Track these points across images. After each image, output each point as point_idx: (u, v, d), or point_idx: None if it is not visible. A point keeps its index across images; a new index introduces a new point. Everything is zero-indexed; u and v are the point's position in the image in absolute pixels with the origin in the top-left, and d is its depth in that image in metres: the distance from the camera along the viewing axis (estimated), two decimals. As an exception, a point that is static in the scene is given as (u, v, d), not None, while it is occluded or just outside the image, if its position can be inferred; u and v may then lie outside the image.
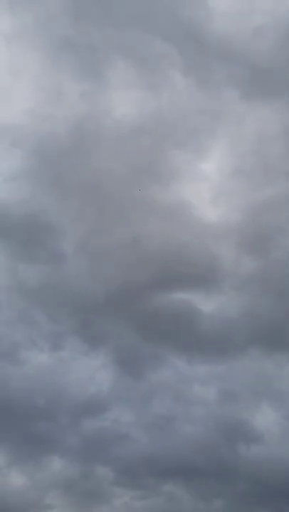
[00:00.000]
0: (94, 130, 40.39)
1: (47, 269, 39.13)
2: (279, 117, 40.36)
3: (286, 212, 39.80)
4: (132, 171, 40.00)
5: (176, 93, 40.83)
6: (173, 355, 38.12)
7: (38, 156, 39.99)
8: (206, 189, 40.61)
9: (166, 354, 38.21)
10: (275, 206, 39.71)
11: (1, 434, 35.95)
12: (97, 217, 40.00)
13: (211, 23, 39.86)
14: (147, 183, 39.97)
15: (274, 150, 40.61)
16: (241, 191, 40.52)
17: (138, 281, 38.89)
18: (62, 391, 37.21)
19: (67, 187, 40.05)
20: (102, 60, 40.81)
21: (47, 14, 40.50)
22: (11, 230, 39.51)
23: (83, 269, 39.11)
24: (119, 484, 35.32)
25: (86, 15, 40.53)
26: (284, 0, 39.82)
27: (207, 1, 39.96)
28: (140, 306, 38.88)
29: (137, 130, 40.35)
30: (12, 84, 40.92)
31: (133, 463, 35.58)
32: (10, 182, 39.76)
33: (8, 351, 37.57)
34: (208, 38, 39.80)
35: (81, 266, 39.14)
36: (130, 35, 40.46)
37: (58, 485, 35.12)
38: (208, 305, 38.84)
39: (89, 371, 38.00)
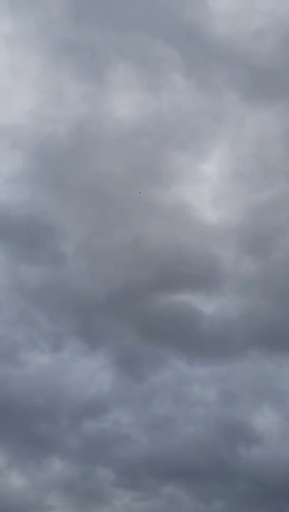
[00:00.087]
0: (94, 132, 40.65)
1: (47, 269, 39.29)
2: (279, 119, 40.63)
3: (286, 213, 39.95)
4: (132, 173, 40.18)
5: (176, 95, 41.08)
6: (173, 356, 38.26)
7: (39, 157, 40.25)
8: (207, 191, 40.83)
9: (167, 355, 38.36)
10: (275, 208, 39.87)
11: (1, 434, 35.98)
12: (98, 218, 40.18)
13: (211, 25, 40.13)
14: (148, 184, 40.18)
15: (274, 152, 40.82)
16: (241, 193, 40.71)
17: (138, 282, 39.01)
18: (62, 392, 37.33)
19: (68, 188, 40.25)
20: (102, 61, 41.10)
21: (48, 16, 40.82)
22: (11, 231, 39.66)
23: (84, 270, 39.25)
24: (120, 485, 35.38)
25: (87, 17, 40.80)
26: (284, 2, 40.07)
27: (208, 3, 40.31)
28: (140, 307, 39.02)
29: (138, 132, 40.57)
30: (13, 86, 41.25)
31: (133, 464, 35.68)
32: (11, 183, 40.00)
33: (9, 352, 37.72)
34: (209, 40, 40.08)
35: (81, 267, 39.29)
36: (131, 37, 40.74)
37: (59, 486, 35.19)
38: (209, 306, 39.02)
39: (89, 372, 38.13)
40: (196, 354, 38.31)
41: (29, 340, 38.08)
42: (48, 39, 40.97)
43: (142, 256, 39.23)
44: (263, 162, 40.77)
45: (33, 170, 40.00)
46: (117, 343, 38.53)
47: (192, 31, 40.06)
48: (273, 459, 35.35)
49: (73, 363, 38.03)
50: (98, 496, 35.08)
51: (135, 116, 40.50)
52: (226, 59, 40.46)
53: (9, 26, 40.68)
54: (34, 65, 40.93)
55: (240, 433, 36.38)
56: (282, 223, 39.62)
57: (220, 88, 40.92)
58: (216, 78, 40.88)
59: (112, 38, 40.56)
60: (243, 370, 37.74)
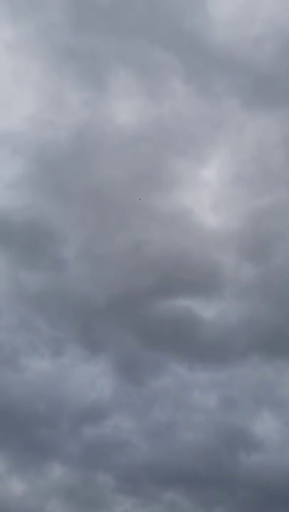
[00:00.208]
0: (95, 137, 40.74)
1: (48, 275, 39.29)
2: (279, 126, 40.78)
3: (286, 219, 40.02)
4: (133, 178, 40.25)
5: (176, 101, 41.21)
6: (173, 362, 38.25)
7: (40, 162, 40.30)
8: (207, 196, 40.91)
9: (167, 361, 38.33)
10: (275, 213, 39.95)
11: (1, 440, 35.89)
12: (98, 224, 40.22)
13: (211, 32, 40.28)
14: (148, 190, 40.26)
15: (274, 158, 40.95)
16: (241, 198, 40.79)
17: (139, 288, 39.01)
18: (62, 397, 37.26)
19: (69, 194, 40.28)
20: (103, 68, 41.24)
21: (49, 23, 40.93)
22: (12, 237, 39.69)
23: (84, 276, 39.26)
24: (120, 491, 35.28)
25: (88, 23, 40.93)
26: (284, 9, 40.25)
27: (208, 10, 40.45)
28: (141, 313, 39.01)
29: (138, 138, 40.65)
30: (14, 92, 41.29)
31: (134, 470, 35.59)
32: (11, 189, 40.01)
33: (9, 357, 37.65)
34: (209, 46, 40.23)
35: (82, 272, 39.28)
36: (131, 44, 40.89)
37: (59, 492, 35.05)
38: (209, 311, 39.03)
39: (89, 377, 38.06)
40: (197, 360, 38.35)
41: (29, 346, 38.10)
42: (49, 45, 41.18)
43: (143, 261, 39.30)
44: (262, 168, 40.97)
45: (34, 175, 40.13)
46: (118, 348, 38.59)
47: (192, 38, 40.28)
48: (273, 465, 35.34)
49: (74, 369, 38.03)
50: (99, 502, 35.01)
51: (135, 122, 40.69)
52: (226, 65, 40.69)
53: (10, 32, 40.85)
54: (35, 71, 41.12)
55: (241, 439, 36.38)
56: (282, 229, 39.76)
57: (220, 94, 41.15)
58: (216, 84, 41.11)
59: (113, 45, 40.77)
60: (244, 376, 37.76)
